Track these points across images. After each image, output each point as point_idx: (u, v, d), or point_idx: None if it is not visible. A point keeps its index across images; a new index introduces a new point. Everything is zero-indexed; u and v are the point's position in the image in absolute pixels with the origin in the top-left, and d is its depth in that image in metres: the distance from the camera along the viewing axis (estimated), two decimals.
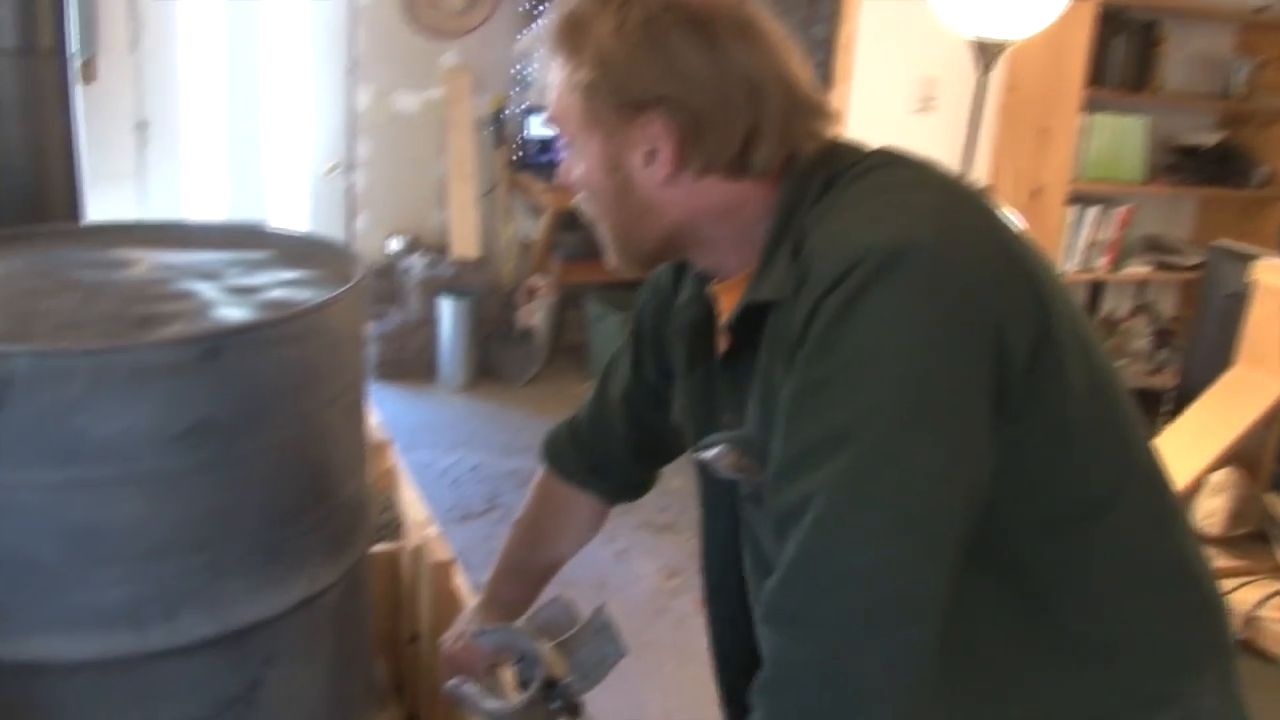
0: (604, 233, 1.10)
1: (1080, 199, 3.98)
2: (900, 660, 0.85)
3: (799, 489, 0.88)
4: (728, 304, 1.09)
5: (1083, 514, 0.96)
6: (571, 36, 1.01)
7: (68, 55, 1.77)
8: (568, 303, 5.54)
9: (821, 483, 0.86)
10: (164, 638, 1.14)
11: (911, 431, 0.86)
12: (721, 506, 1.21)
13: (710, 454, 1.04)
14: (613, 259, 1.13)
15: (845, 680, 0.85)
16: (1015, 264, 0.92)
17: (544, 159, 5.27)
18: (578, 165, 1.06)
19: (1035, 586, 0.97)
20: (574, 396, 5.03)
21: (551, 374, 5.35)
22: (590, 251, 5.39)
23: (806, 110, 1.03)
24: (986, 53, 3.24)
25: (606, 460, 1.44)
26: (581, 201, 1.11)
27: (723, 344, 1.10)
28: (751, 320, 1.02)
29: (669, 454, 1.43)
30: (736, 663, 1.25)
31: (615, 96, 0.99)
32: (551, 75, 1.05)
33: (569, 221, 5.33)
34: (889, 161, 1.03)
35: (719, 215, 1.04)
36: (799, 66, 1.03)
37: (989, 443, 0.89)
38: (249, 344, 1.10)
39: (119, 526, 1.09)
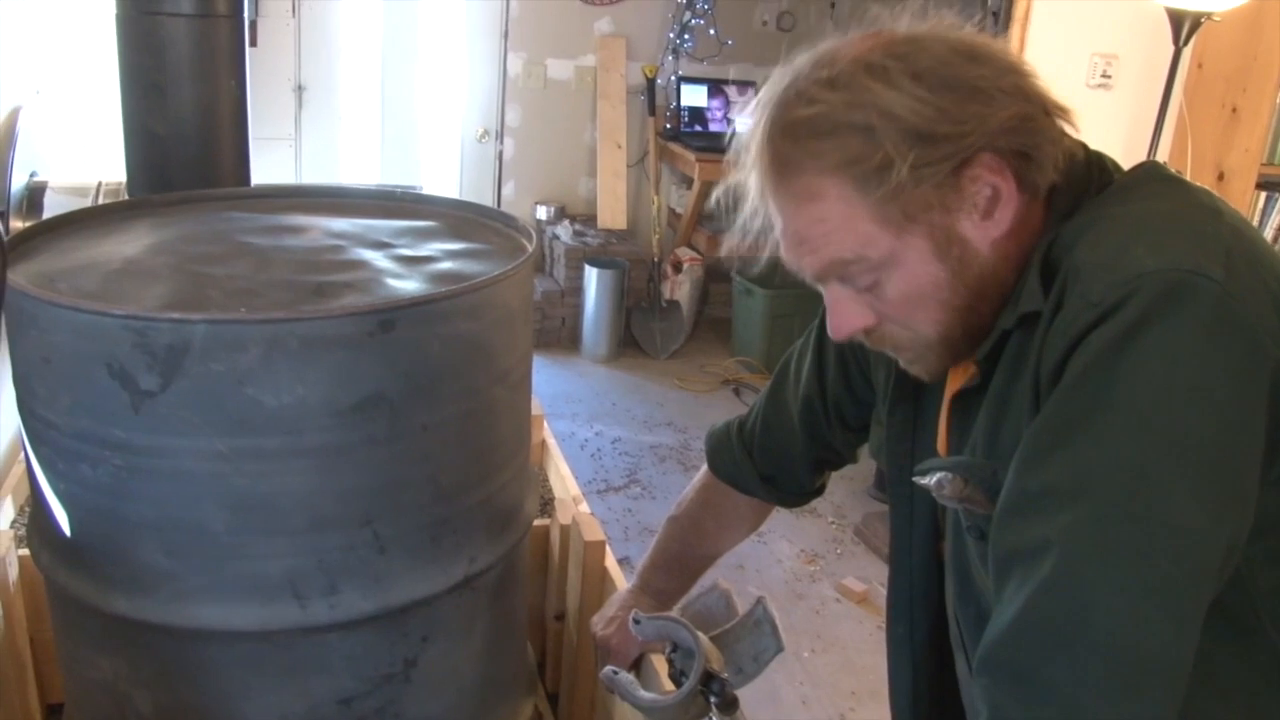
0: (931, 341, 0.96)
1: (1272, 184, 3.73)
2: None
3: (1035, 531, 0.80)
4: None
5: None
6: (843, 147, 0.87)
7: (242, 20, 1.77)
8: (713, 277, 5.48)
9: (1063, 529, 0.78)
10: (325, 612, 1.13)
11: (1173, 485, 0.76)
12: (921, 535, 1.13)
13: (932, 480, 0.96)
14: (933, 368, 0.99)
15: None
16: None
17: (695, 129, 5.21)
18: (892, 287, 0.92)
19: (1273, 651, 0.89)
20: (717, 371, 4.98)
21: (694, 348, 5.31)
22: None
23: (1063, 113, 0.93)
24: (1183, 25, 3.05)
25: (780, 471, 1.37)
26: (887, 330, 0.96)
27: (962, 377, 1.00)
28: (995, 347, 0.93)
29: (844, 461, 1.35)
30: (925, 707, 1.18)
31: (945, 163, 0.87)
32: (808, 215, 0.91)
33: None
34: (1161, 178, 0.93)
35: (1029, 251, 0.93)
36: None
37: (1253, 501, 0.80)
38: (423, 317, 1.07)
39: (285, 498, 1.08)
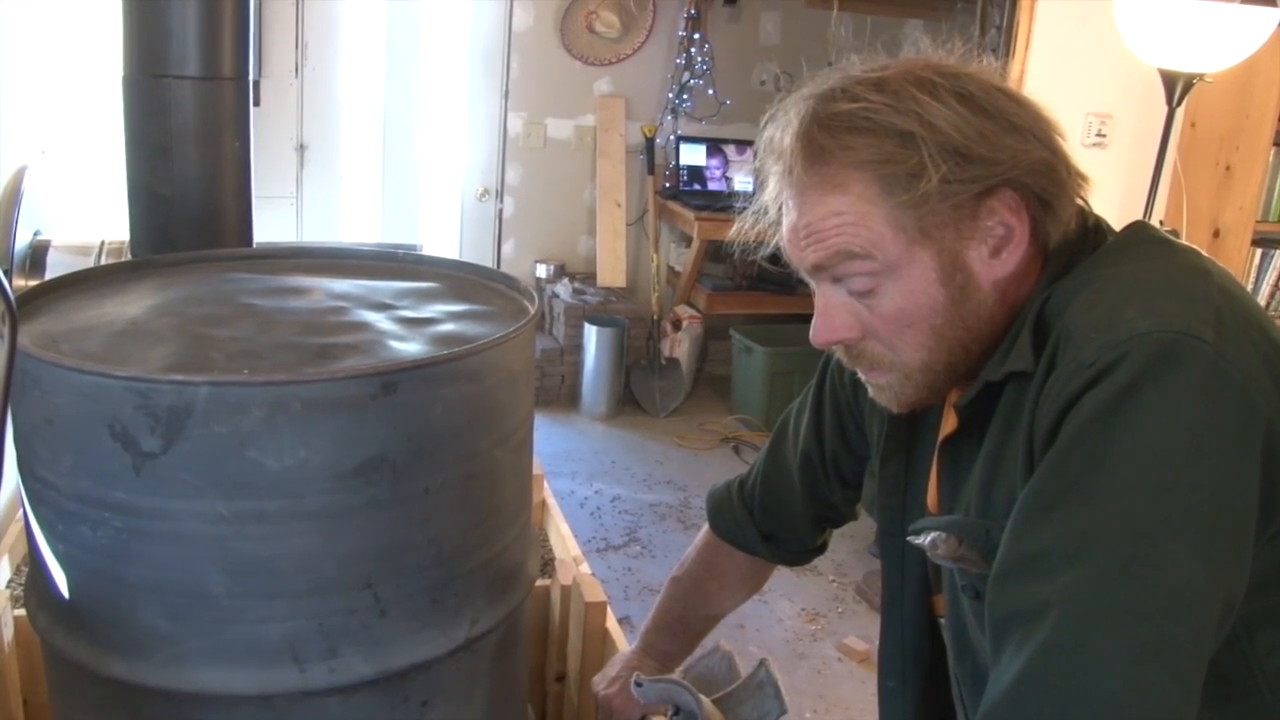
0: (911, 368, 0.96)
1: (1267, 241, 3.77)
2: None
3: (1034, 593, 0.80)
4: (957, 388, 1.01)
5: None
6: (878, 147, 0.89)
7: (247, 83, 1.79)
8: (713, 334, 5.50)
9: (1062, 592, 0.78)
10: (324, 676, 1.11)
11: (1170, 544, 0.77)
12: (912, 588, 1.13)
13: (926, 540, 0.96)
14: (904, 398, 0.99)
15: None
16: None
17: (694, 187, 5.25)
18: (888, 299, 0.93)
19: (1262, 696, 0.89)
20: (717, 429, 4.98)
21: (694, 406, 5.31)
22: (737, 283, 5.35)
23: (1080, 179, 0.96)
24: (1176, 85, 3.09)
25: (781, 528, 1.37)
26: (868, 347, 0.97)
27: (948, 425, 1.02)
28: (982, 400, 0.94)
29: (844, 518, 1.36)
30: None
31: (973, 185, 0.89)
32: (826, 206, 0.92)
33: (716, 252, 5.30)
34: (1149, 239, 0.94)
35: (1022, 304, 0.95)
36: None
37: (1249, 559, 0.80)
38: (425, 379, 1.07)
39: (286, 561, 1.07)
